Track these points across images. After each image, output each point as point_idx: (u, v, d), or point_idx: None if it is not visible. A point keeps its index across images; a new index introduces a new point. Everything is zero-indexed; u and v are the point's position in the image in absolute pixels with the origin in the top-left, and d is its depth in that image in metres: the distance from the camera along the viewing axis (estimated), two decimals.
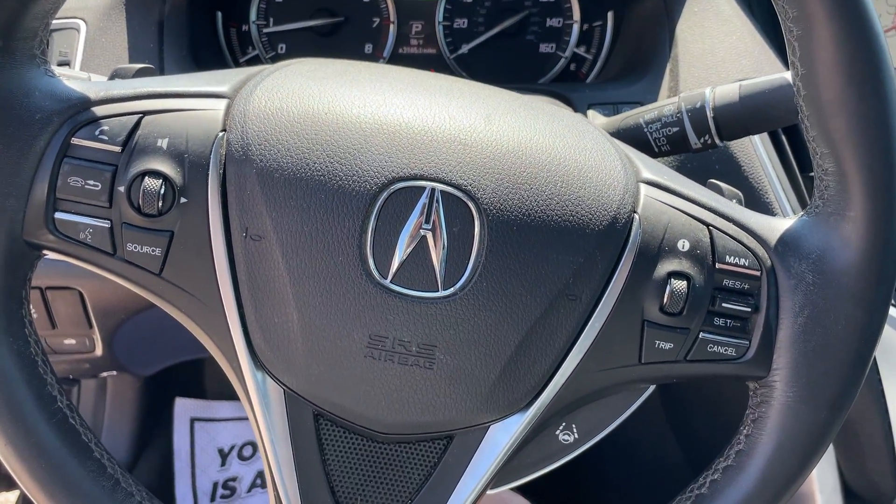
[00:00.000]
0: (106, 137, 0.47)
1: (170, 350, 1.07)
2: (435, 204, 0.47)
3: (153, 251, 0.48)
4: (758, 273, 0.50)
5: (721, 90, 0.66)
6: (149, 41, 0.83)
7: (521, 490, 0.81)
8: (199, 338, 0.50)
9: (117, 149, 0.47)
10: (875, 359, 0.75)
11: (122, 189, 0.47)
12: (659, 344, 0.49)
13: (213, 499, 1.35)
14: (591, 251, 0.48)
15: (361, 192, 0.47)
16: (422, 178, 0.47)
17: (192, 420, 1.40)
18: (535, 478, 0.58)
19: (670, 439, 1.20)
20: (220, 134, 0.48)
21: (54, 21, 0.54)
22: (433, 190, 0.47)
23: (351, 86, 0.51)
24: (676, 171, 0.64)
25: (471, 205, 0.47)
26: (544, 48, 1.00)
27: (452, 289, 0.47)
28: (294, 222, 0.47)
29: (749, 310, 0.50)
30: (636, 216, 0.49)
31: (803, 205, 0.50)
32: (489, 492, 0.53)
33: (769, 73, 0.78)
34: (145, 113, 0.48)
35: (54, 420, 0.48)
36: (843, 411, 0.49)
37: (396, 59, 1.00)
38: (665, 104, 0.68)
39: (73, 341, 0.86)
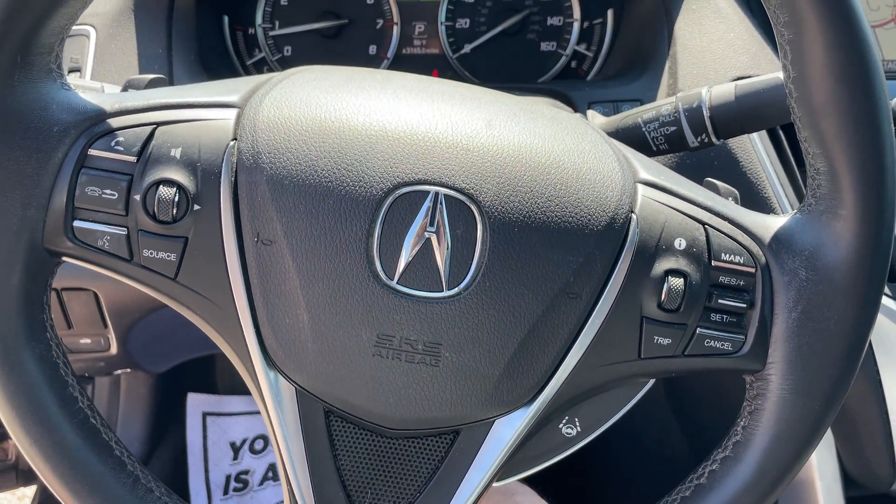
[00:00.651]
0: (121, 148, 0.49)
1: (182, 347, 1.09)
2: (439, 207, 0.48)
3: (168, 257, 0.49)
4: (752, 270, 0.51)
5: (717, 90, 0.67)
6: (157, 46, 0.85)
7: (528, 482, 0.83)
8: (214, 339, 0.52)
9: (132, 159, 0.49)
10: (873, 349, 0.76)
11: (137, 198, 0.49)
12: (657, 339, 0.51)
13: (226, 492, 1.37)
14: (591, 251, 0.49)
15: (368, 198, 0.48)
16: (426, 182, 0.48)
17: (205, 415, 1.41)
18: (540, 470, 0.59)
19: (675, 430, 1.20)
20: (231, 143, 0.50)
21: None
22: (437, 194, 0.48)
23: (356, 94, 0.52)
24: (675, 169, 0.66)
25: (473, 208, 0.48)
26: (545, 46, 1.01)
27: (457, 289, 0.49)
28: (303, 227, 0.48)
29: (744, 305, 0.51)
30: (634, 216, 0.51)
31: (801, 200, 0.51)
32: (495, 484, 0.54)
33: (767, 70, 0.79)
34: (159, 124, 0.50)
35: (76, 420, 0.50)
36: (836, 403, 0.50)
37: (400, 59, 1.01)
38: (662, 104, 0.69)
39: (88, 340, 0.88)
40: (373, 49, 1.02)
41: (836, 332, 0.49)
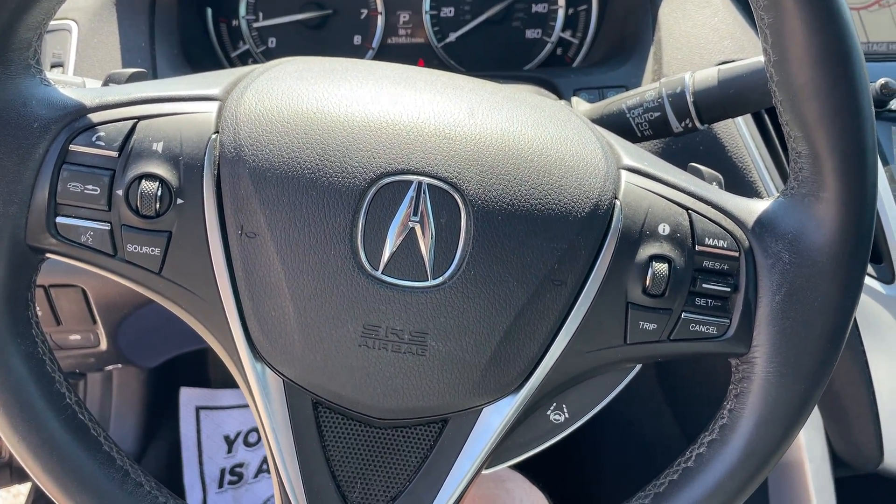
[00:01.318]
0: (103, 143, 0.49)
1: (173, 341, 1.09)
2: (422, 196, 0.48)
3: (152, 251, 0.49)
4: (736, 254, 0.51)
5: (700, 75, 0.67)
6: (140, 40, 0.84)
7: (519, 469, 0.83)
8: (200, 332, 0.52)
9: (114, 154, 0.49)
10: (859, 331, 0.76)
11: (120, 192, 0.48)
12: (643, 325, 0.51)
13: (220, 485, 1.37)
14: (575, 237, 0.49)
15: (351, 188, 0.48)
16: (409, 172, 0.48)
17: (198, 409, 1.41)
18: (530, 456, 0.59)
19: (667, 415, 1.21)
20: (213, 136, 0.49)
21: None
22: (420, 183, 0.48)
23: (338, 85, 0.52)
24: (660, 154, 0.66)
25: (457, 196, 0.48)
26: (531, 34, 1.01)
27: (441, 278, 0.49)
28: (287, 219, 0.48)
29: (729, 289, 0.51)
30: (617, 202, 0.51)
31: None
32: (485, 471, 0.54)
33: (751, 53, 0.79)
34: (140, 118, 0.50)
35: (63, 416, 0.50)
36: (821, 383, 0.51)
37: (385, 49, 1.01)
38: (646, 90, 0.69)
39: (77, 337, 0.88)
40: (357, 39, 1.01)
41: (819, 314, 0.49)
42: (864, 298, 0.75)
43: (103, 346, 0.89)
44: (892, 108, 0.76)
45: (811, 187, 0.49)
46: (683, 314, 0.51)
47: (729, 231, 0.51)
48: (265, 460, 1.39)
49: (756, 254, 0.51)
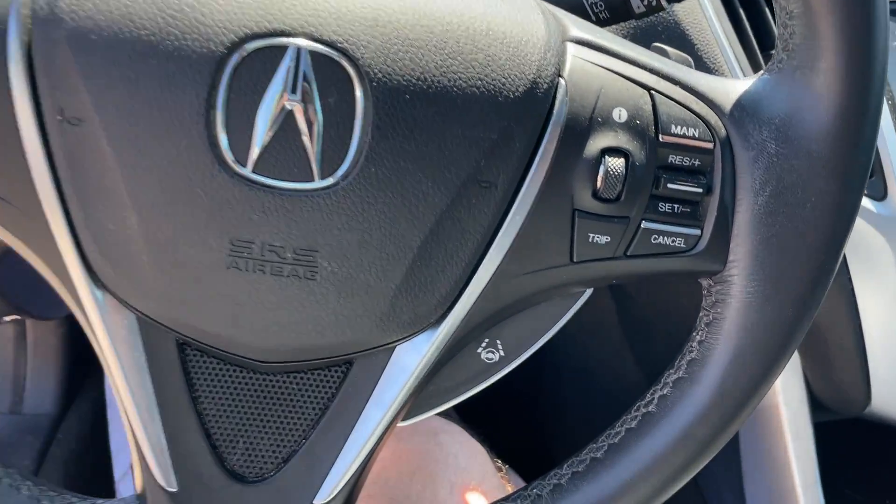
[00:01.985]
0: None
1: None
2: (303, 67, 0.38)
3: None
4: (710, 145, 0.43)
5: None
6: None
7: (457, 420, 0.76)
8: (25, 255, 0.42)
9: None
10: (844, 255, 0.69)
11: None
12: (593, 237, 0.43)
13: None
14: (506, 125, 0.41)
15: (205, 55, 0.37)
16: (283, 33, 0.38)
17: None
18: (467, 405, 0.52)
19: (629, 358, 1.16)
20: None
21: None
22: (299, 50, 0.38)
23: None
24: None
25: (350, 68, 0.38)
26: None
27: (332, 178, 0.39)
28: (120, 98, 0.38)
29: (700, 191, 0.43)
30: (561, 81, 0.42)
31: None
32: (404, 423, 0.47)
33: None
34: None
35: None
36: (812, 307, 0.44)
37: None
38: None
39: None
40: None
41: (813, 218, 0.42)
42: None
43: None
44: None
45: (805, 57, 0.41)
46: (643, 223, 0.43)
47: (701, 116, 0.43)
48: None
49: (735, 144, 0.43)
